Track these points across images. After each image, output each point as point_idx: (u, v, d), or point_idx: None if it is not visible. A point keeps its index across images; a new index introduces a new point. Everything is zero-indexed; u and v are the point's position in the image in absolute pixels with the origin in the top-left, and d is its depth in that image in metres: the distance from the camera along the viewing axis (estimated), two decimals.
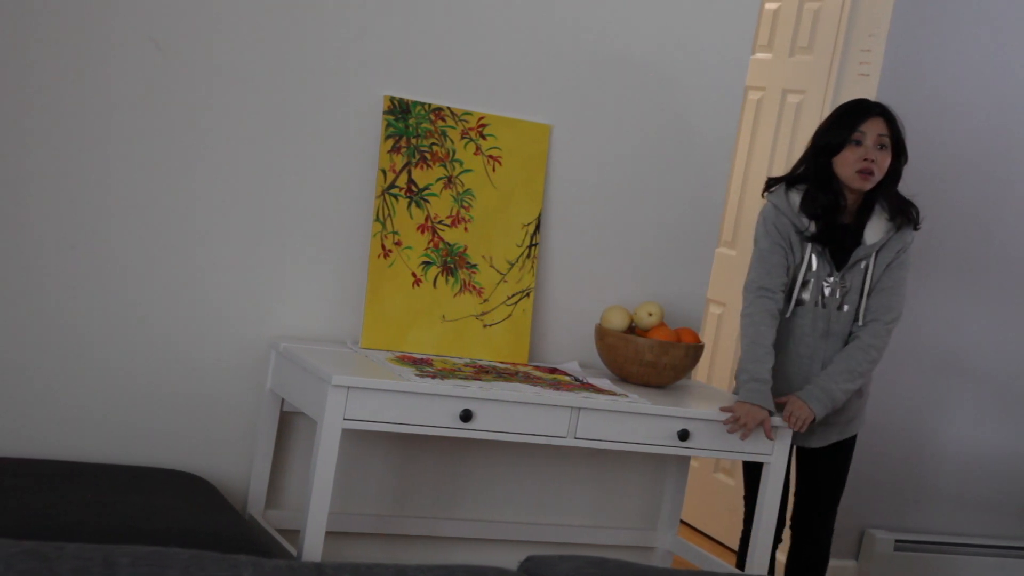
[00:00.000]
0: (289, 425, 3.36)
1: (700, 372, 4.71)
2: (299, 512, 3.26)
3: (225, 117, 3.20)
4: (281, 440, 3.35)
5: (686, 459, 3.74)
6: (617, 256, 3.65)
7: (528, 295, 3.50)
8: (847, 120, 3.28)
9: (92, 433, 3.17)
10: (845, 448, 3.45)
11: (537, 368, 3.44)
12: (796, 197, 3.30)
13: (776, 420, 3.27)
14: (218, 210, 3.23)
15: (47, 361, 3.12)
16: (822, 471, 3.45)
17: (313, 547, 2.92)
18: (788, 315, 3.32)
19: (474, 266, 3.44)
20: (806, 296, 3.32)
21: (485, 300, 3.45)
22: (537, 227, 3.52)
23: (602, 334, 3.45)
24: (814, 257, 3.30)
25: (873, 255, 3.30)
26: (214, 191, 3.22)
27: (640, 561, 3.61)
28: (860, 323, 3.31)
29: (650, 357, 3.37)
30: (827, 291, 3.31)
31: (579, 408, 3.15)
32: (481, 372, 3.24)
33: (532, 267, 3.51)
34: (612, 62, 3.58)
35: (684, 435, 3.24)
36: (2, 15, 2.99)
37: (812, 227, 3.29)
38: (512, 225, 3.49)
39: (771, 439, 3.24)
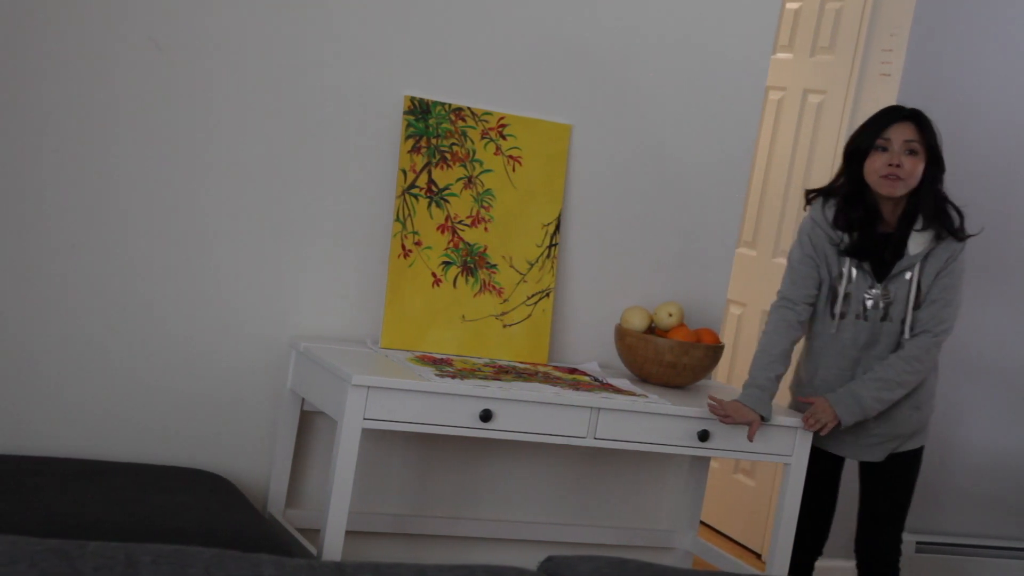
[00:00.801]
0: (309, 425, 3.37)
1: (720, 373, 4.70)
2: (319, 511, 3.27)
3: (246, 117, 3.21)
4: (301, 440, 3.36)
5: (706, 460, 3.73)
6: (637, 256, 3.65)
7: (548, 295, 3.50)
8: (873, 125, 3.23)
9: (114, 432, 3.18)
10: (905, 461, 3.34)
11: (557, 368, 3.44)
12: (831, 210, 3.26)
13: (790, 421, 3.26)
14: (238, 210, 3.24)
15: (69, 362, 3.13)
16: (882, 486, 3.35)
17: (333, 546, 2.92)
18: (834, 330, 3.27)
19: (494, 266, 3.44)
20: (847, 309, 3.25)
21: (505, 300, 3.45)
22: (557, 227, 3.52)
23: (622, 334, 3.44)
24: (853, 270, 3.24)
25: (918, 265, 3.21)
26: (235, 191, 3.23)
27: (660, 562, 3.60)
28: (907, 335, 3.23)
29: (670, 358, 3.37)
30: (869, 303, 3.24)
31: (599, 408, 3.14)
32: (501, 372, 3.24)
33: (552, 267, 3.51)
34: (632, 62, 3.58)
35: (704, 436, 3.24)
36: (10, 16, 3.00)
37: (846, 239, 3.24)
38: (532, 225, 3.49)
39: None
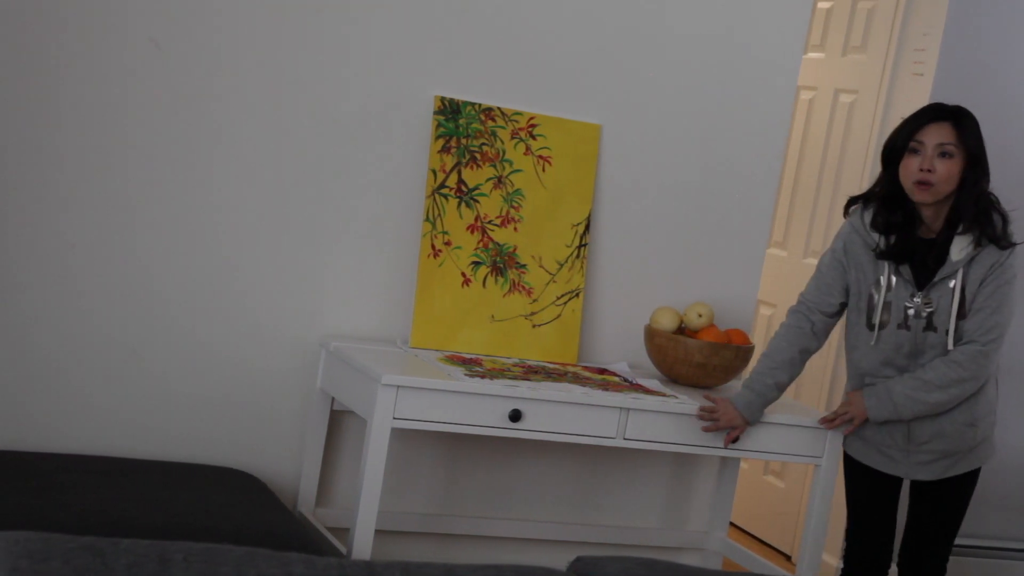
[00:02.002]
0: (339, 424, 3.38)
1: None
2: (349, 510, 3.28)
3: (277, 117, 3.22)
4: (331, 439, 3.37)
5: (736, 461, 3.72)
6: (667, 256, 3.64)
7: (577, 295, 3.50)
8: (908, 126, 3.06)
9: (146, 432, 3.20)
10: (959, 483, 3.15)
11: (586, 368, 3.44)
12: (870, 215, 3.12)
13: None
14: (269, 212, 3.25)
15: (103, 363, 3.15)
16: (930, 507, 3.18)
17: (363, 545, 2.93)
18: (874, 341, 3.10)
19: (523, 266, 3.44)
20: (888, 318, 3.08)
21: (534, 300, 3.45)
22: (587, 227, 3.52)
23: (651, 335, 3.44)
24: (892, 277, 3.07)
25: (960, 271, 3.03)
26: (266, 193, 3.24)
27: (689, 563, 3.59)
28: (951, 345, 3.05)
29: (700, 358, 3.35)
30: (911, 312, 3.06)
31: (628, 409, 3.14)
32: (530, 372, 3.24)
33: (582, 267, 3.51)
34: (662, 62, 3.57)
35: (734, 437, 3.22)
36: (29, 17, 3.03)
37: (882, 243, 3.08)
38: (562, 225, 3.48)
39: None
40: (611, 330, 3.60)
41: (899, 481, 3.21)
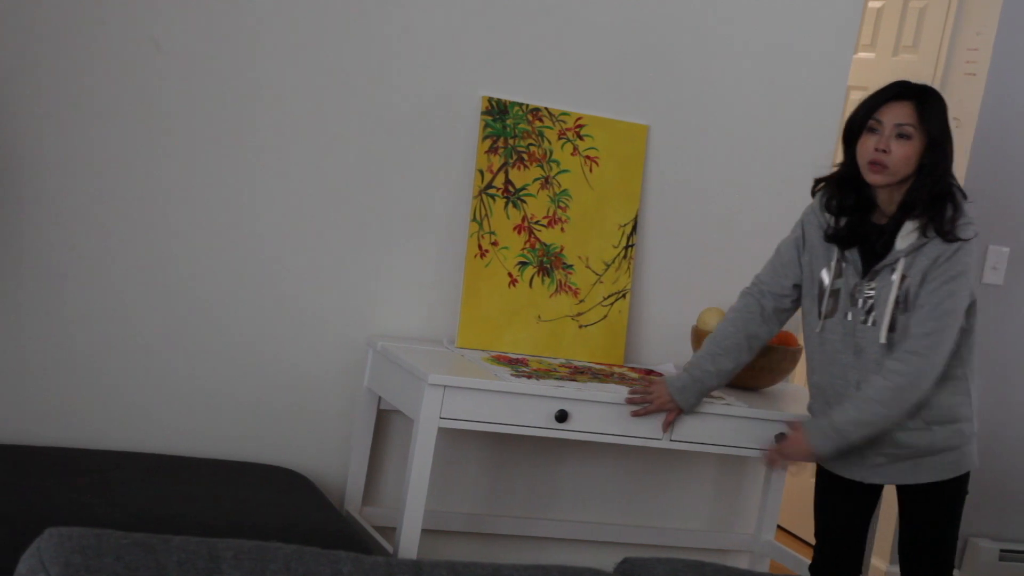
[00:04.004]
0: (386, 423, 3.40)
1: (798, 376, 4.64)
2: (395, 509, 3.29)
3: (325, 118, 3.24)
4: (378, 438, 3.38)
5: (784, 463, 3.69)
6: (714, 257, 3.62)
7: (624, 296, 3.49)
8: (866, 104, 2.83)
9: (196, 429, 3.23)
10: (944, 491, 2.89)
11: (633, 369, 3.43)
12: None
13: None
14: (318, 212, 3.27)
15: (155, 361, 3.18)
16: (919, 514, 2.93)
17: (409, 544, 2.94)
18: (819, 330, 2.90)
19: (570, 267, 3.44)
20: (835, 307, 2.87)
21: (581, 301, 3.44)
22: (634, 228, 3.51)
23: (699, 336, 3.42)
24: (842, 264, 2.87)
25: (901, 262, 2.79)
26: (314, 193, 3.26)
27: (737, 565, 3.57)
28: (883, 340, 2.81)
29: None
30: (859, 301, 2.84)
31: None
32: (576, 373, 3.23)
33: (628, 268, 3.50)
34: (710, 62, 3.55)
35: (782, 439, 3.20)
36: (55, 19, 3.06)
37: (832, 226, 2.87)
38: (609, 226, 3.48)
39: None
40: (658, 331, 3.58)
41: (864, 486, 2.97)
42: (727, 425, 3.16)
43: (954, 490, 2.91)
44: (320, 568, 1.62)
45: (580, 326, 3.44)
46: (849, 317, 2.86)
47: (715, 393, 3.24)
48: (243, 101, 3.17)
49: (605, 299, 3.47)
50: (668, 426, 3.06)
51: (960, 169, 4.21)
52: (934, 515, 2.92)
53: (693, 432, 3.14)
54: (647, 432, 3.11)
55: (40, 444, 3.09)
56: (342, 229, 3.29)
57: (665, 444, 3.13)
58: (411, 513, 2.93)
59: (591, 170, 3.46)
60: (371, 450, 3.36)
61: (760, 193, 3.65)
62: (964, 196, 2.84)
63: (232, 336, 3.24)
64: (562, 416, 3.02)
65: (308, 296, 3.28)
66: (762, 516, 3.71)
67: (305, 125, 3.23)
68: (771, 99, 3.61)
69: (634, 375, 3.33)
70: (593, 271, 3.46)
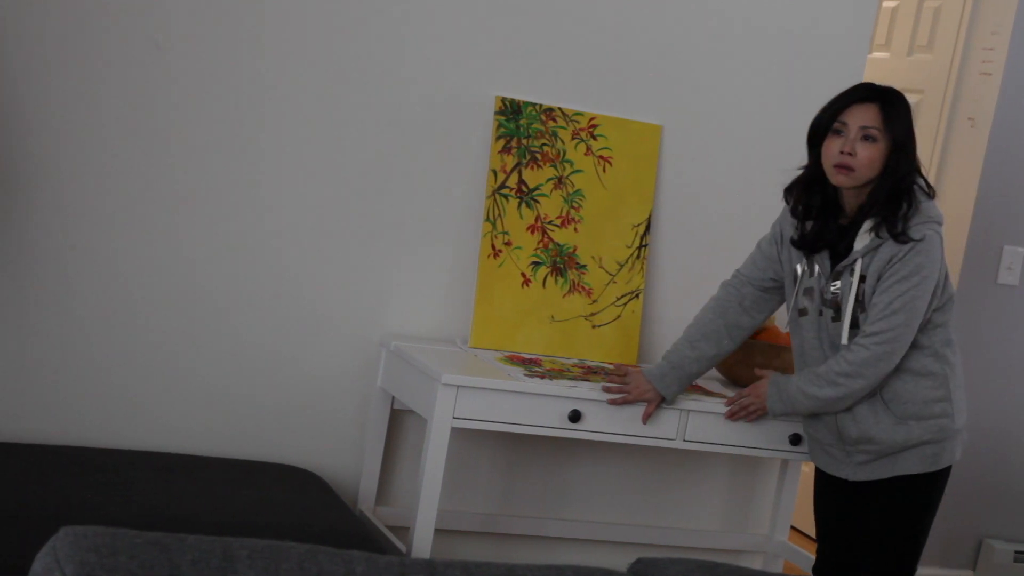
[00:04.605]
0: (399, 423, 3.40)
1: None
2: (408, 509, 3.29)
3: (337, 117, 3.25)
4: (391, 438, 3.39)
5: (798, 463, 3.68)
6: (727, 257, 3.60)
7: (637, 296, 3.49)
8: (831, 106, 2.85)
9: (210, 428, 3.24)
10: (919, 484, 2.87)
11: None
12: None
13: None
14: (331, 212, 3.27)
15: (166, 360, 3.19)
16: (892, 507, 2.89)
17: (422, 544, 2.94)
18: (796, 327, 2.94)
19: (583, 267, 3.44)
20: (809, 305, 2.91)
21: (594, 301, 3.44)
22: (647, 228, 3.50)
23: None
24: (815, 265, 2.89)
25: (859, 262, 2.81)
26: (327, 193, 3.26)
27: (750, 566, 3.56)
28: (844, 339, 2.83)
29: (760, 360, 3.33)
30: (828, 300, 2.87)
31: (688, 411, 3.12)
32: (590, 373, 3.23)
33: (642, 268, 3.49)
34: (724, 61, 3.54)
35: (796, 440, 3.20)
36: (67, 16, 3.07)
37: (795, 230, 2.91)
38: (622, 226, 3.47)
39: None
40: (671, 331, 3.58)
41: (853, 484, 2.95)
42: (740, 425, 3.15)
43: (929, 485, 2.89)
44: (333, 567, 1.62)
45: (593, 326, 3.43)
46: (821, 314, 2.90)
47: (727, 394, 3.23)
48: (255, 101, 3.18)
49: (618, 299, 3.47)
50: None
51: (975, 169, 4.20)
52: (908, 509, 2.89)
53: (706, 432, 3.14)
54: (660, 432, 3.11)
55: (55, 443, 3.10)
56: (355, 229, 3.30)
57: (678, 444, 3.13)
58: (424, 513, 2.94)
59: (604, 170, 3.46)
60: (384, 450, 3.37)
61: (773, 193, 3.63)
62: (930, 195, 2.85)
63: (246, 336, 3.24)
64: (575, 416, 3.02)
65: (322, 296, 3.29)
66: (775, 516, 3.70)
67: (318, 125, 3.23)
68: (785, 99, 3.60)
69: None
70: (606, 271, 3.46)
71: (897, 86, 4.54)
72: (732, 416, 3.09)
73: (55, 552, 1.53)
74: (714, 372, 3.51)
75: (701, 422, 3.13)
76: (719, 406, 3.12)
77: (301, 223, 3.25)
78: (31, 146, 3.02)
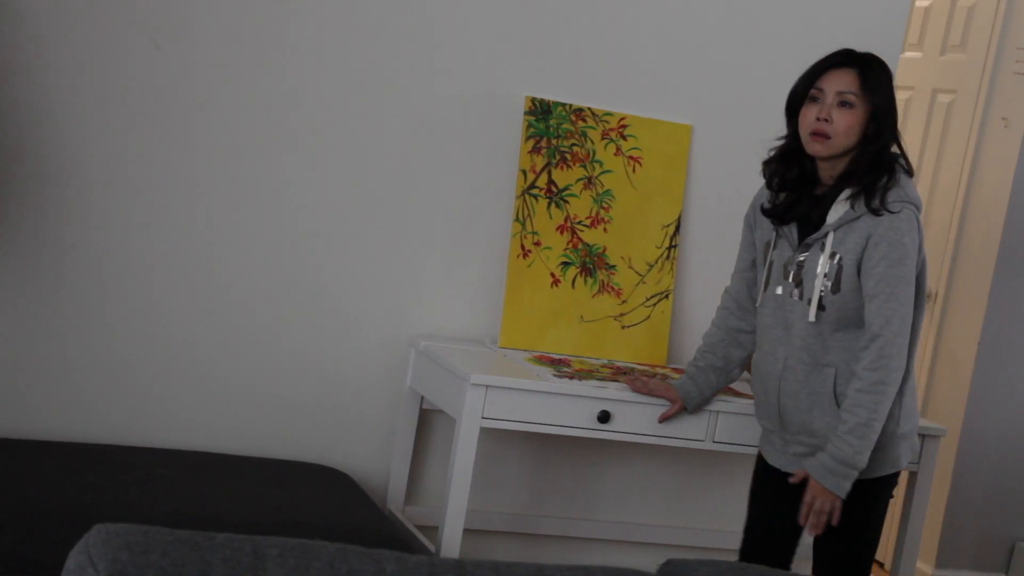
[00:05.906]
0: (428, 422, 3.40)
1: None
2: (437, 509, 3.30)
3: (368, 117, 3.25)
4: (420, 437, 3.39)
5: None
6: None
7: (667, 297, 3.48)
8: (808, 73, 2.73)
9: (240, 428, 3.25)
10: (864, 491, 2.69)
11: (675, 370, 3.42)
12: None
13: (921, 427, 3.16)
14: (361, 212, 3.28)
15: (198, 359, 3.21)
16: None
17: (451, 543, 2.95)
18: (759, 303, 2.82)
19: (613, 267, 3.43)
20: (768, 279, 2.79)
21: (624, 301, 3.43)
22: (677, 228, 3.50)
23: None
24: (779, 236, 2.77)
25: (831, 236, 2.66)
26: (357, 193, 3.27)
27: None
28: (812, 318, 2.68)
29: None
30: (790, 274, 2.73)
31: (718, 412, 3.11)
32: (619, 373, 3.23)
33: (671, 269, 3.49)
34: (755, 61, 3.53)
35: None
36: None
37: (768, 200, 2.79)
38: (652, 226, 3.47)
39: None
40: (701, 332, 3.55)
41: (784, 474, 2.82)
42: None
43: (874, 492, 2.74)
44: (363, 567, 1.63)
45: (623, 327, 3.43)
46: (779, 291, 2.75)
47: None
48: (283, 101, 3.19)
49: (648, 300, 3.46)
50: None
51: (1008, 170, 4.16)
52: (852, 515, 2.70)
53: (736, 434, 3.13)
54: (690, 433, 3.10)
55: (88, 442, 3.12)
56: (385, 229, 3.30)
57: (708, 445, 3.12)
58: (453, 512, 2.94)
59: (634, 170, 3.46)
60: (414, 449, 3.37)
61: None
62: (909, 172, 2.72)
63: (275, 336, 3.26)
64: (604, 417, 3.02)
65: (351, 296, 3.30)
66: None
67: (347, 125, 3.24)
68: None
69: (677, 376, 3.31)
70: (636, 271, 3.45)
71: (930, 86, 4.54)
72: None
73: (88, 550, 1.55)
74: (745, 374, 3.49)
75: (730, 423, 3.12)
76: (748, 407, 3.11)
77: (330, 223, 3.26)
78: (63, 149, 3.04)
